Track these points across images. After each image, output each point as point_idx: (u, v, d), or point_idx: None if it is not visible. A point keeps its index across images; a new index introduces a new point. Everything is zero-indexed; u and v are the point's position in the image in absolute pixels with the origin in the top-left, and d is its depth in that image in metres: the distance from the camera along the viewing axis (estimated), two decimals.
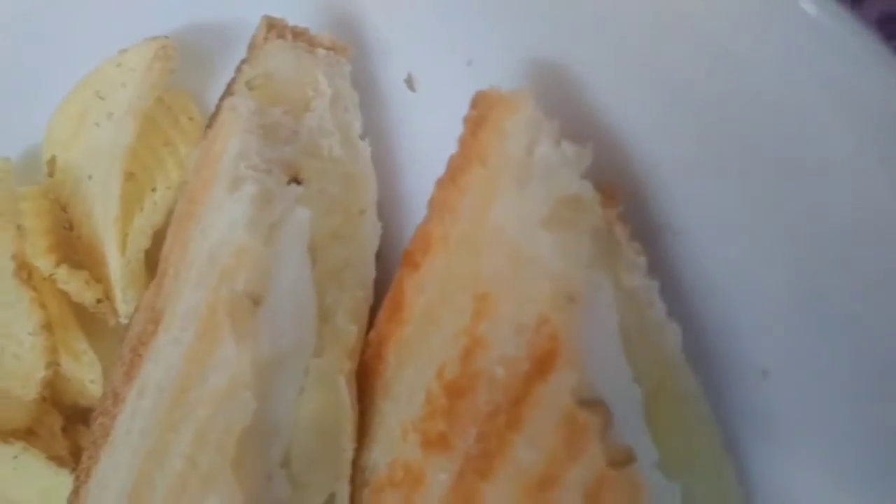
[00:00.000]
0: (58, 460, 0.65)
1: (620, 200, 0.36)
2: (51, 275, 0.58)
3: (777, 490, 0.38)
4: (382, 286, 0.44)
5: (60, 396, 0.68)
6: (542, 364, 0.32)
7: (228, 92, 0.48)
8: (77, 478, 0.57)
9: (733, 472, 0.37)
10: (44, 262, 0.58)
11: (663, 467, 0.34)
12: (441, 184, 0.39)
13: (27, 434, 0.67)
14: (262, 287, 0.40)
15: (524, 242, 0.33)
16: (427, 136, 0.48)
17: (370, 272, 0.45)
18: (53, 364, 0.61)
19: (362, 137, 0.46)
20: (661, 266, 0.38)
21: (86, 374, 0.64)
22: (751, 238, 0.37)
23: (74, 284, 0.58)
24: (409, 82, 0.49)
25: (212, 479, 0.37)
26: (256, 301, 0.40)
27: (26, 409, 0.66)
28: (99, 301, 0.60)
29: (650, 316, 0.36)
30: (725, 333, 0.37)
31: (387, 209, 0.46)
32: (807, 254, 0.36)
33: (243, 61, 0.49)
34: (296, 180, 0.44)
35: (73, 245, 0.64)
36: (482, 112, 0.37)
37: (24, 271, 0.59)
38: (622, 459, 0.32)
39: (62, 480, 0.63)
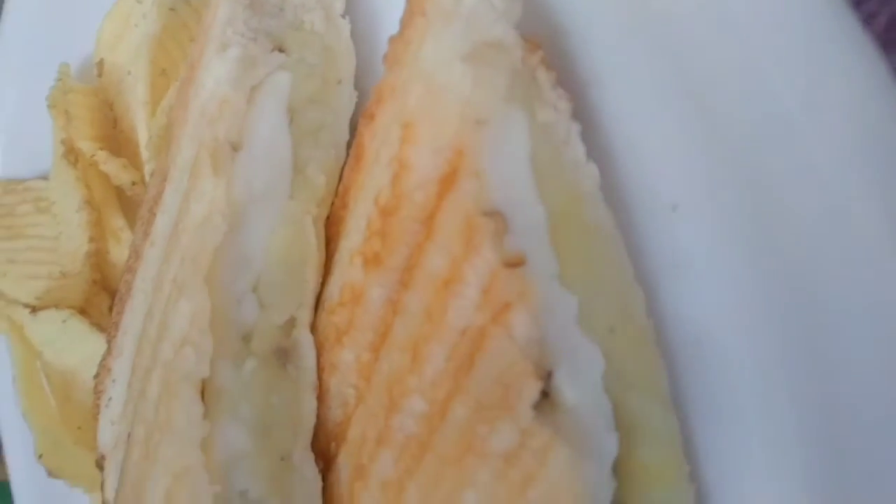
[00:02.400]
0: (101, 329, 0.73)
1: (544, 49, 0.40)
2: (92, 156, 0.66)
3: (687, 323, 0.41)
4: None
5: (108, 280, 0.77)
6: (449, 178, 0.36)
7: None
8: (108, 334, 0.65)
9: (643, 303, 0.40)
10: (86, 144, 0.66)
11: (565, 282, 0.38)
12: (392, 40, 0.44)
13: (80, 313, 0.76)
14: (241, 135, 0.46)
15: (442, 73, 0.37)
16: None
17: (344, 135, 0.50)
18: (95, 239, 0.70)
19: (343, 16, 0.51)
20: (584, 116, 0.41)
21: (125, 253, 0.72)
22: (661, 99, 0.40)
23: (112, 166, 0.66)
24: None
25: (185, 287, 0.43)
26: (235, 147, 0.46)
27: (80, 290, 0.75)
28: (134, 183, 0.67)
29: (566, 153, 0.39)
30: (637, 173, 0.40)
31: (364, 82, 0.51)
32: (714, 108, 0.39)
33: None
34: (279, 50, 0.49)
35: (116, 140, 0.72)
36: None
37: (72, 155, 0.68)
38: (513, 261, 0.36)
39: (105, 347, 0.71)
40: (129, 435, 0.52)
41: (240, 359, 0.44)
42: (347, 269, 0.43)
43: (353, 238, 0.44)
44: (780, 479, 0.39)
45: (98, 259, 0.75)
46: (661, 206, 0.40)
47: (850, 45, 0.36)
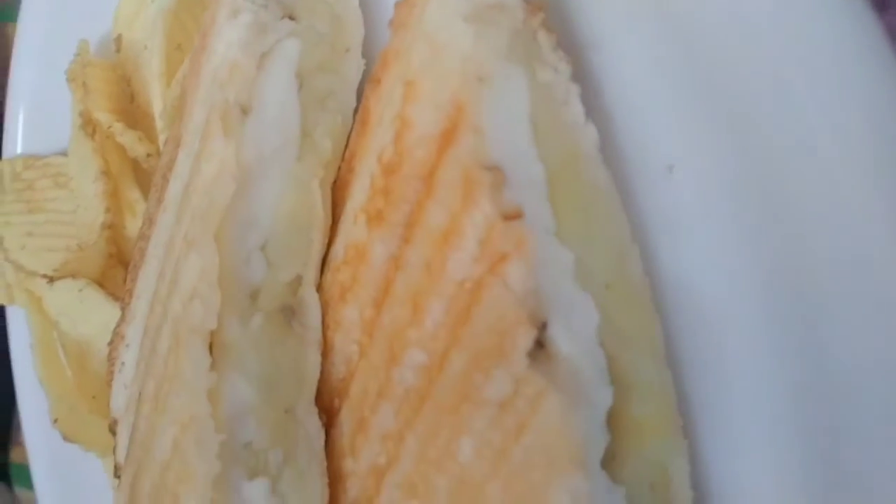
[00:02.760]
0: (117, 299, 0.75)
1: (545, 11, 0.41)
2: (109, 128, 0.68)
3: (682, 281, 0.41)
4: None
5: (124, 254, 0.79)
6: (449, 133, 0.38)
7: None
8: (122, 301, 0.66)
9: (639, 261, 0.40)
10: (103, 116, 0.68)
11: (562, 238, 0.39)
12: (397, 5, 0.45)
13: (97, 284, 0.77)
14: (250, 99, 0.48)
15: (444, 32, 0.38)
16: None
17: (351, 102, 0.51)
18: (111, 210, 0.71)
19: None
20: (583, 79, 0.42)
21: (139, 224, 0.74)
22: (659, 62, 0.41)
23: (128, 137, 0.68)
24: None
25: (195, 243, 0.44)
26: (245, 110, 0.47)
27: (96, 263, 0.77)
28: (149, 155, 0.69)
29: (566, 114, 0.40)
30: (634, 134, 0.41)
31: (372, 50, 0.52)
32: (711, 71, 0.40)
33: None
34: (289, 17, 0.50)
35: (133, 115, 0.74)
36: None
37: (89, 127, 0.70)
38: (511, 214, 0.37)
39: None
40: (139, 393, 0.54)
41: (247, 315, 0.46)
42: (352, 227, 0.45)
43: (357, 198, 0.45)
44: (773, 433, 0.40)
45: (114, 233, 0.77)
46: (657, 167, 0.41)
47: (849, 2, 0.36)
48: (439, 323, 0.39)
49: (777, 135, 0.38)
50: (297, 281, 0.47)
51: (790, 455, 0.39)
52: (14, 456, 1.05)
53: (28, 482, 0.82)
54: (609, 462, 0.39)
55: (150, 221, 0.61)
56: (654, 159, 0.41)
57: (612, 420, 0.39)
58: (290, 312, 0.47)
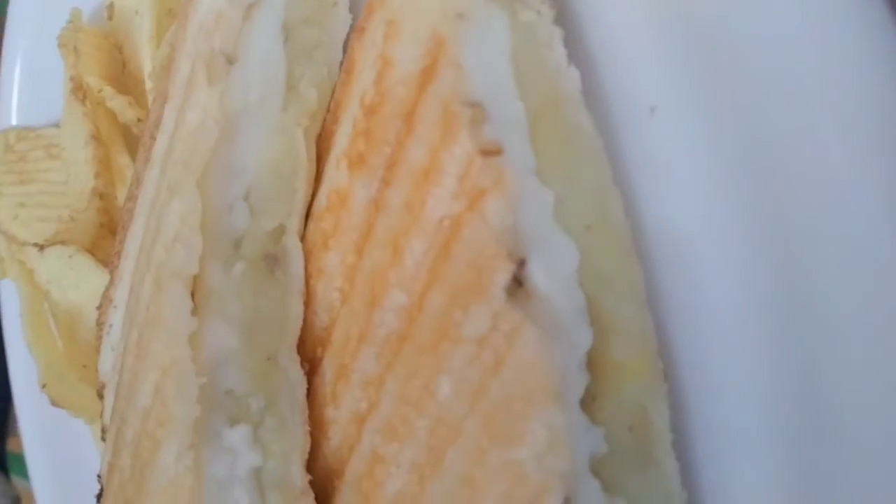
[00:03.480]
0: (107, 265, 0.75)
1: None
2: (99, 91, 0.68)
3: (663, 225, 0.41)
4: None
5: (115, 224, 0.79)
6: (430, 69, 0.38)
7: None
8: (111, 264, 0.66)
9: (621, 203, 0.40)
10: (94, 80, 0.68)
11: (542, 178, 0.39)
12: None
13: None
14: (236, 48, 0.48)
15: None
16: None
17: (337, 55, 0.51)
18: (102, 175, 0.71)
19: None
20: (567, 23, 0.42)
21: None
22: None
23: (118, 102, 0.68)
24: None
25: (178, 188, 0.44)
26: (230, 60, 0.47)
27: (87, 232, 0.77)
28: (140, 120, 0.69)
29: (548, 56, 0.40)
30: (617, 76, 0.41)
31: (359, 4, 0.52)
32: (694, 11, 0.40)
33: None
34: None
35: (125, 83, 0.74)
36: None
37: (80, 92, 0.70)
38: (490, 150, 0.37)
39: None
40: (124, 347, 0.54)
41: (230, 262, 0.46)
42: (334, 174, 0.45)
43: (340, 144, 0.45)
44: (752, 376, 0.40)
45: (105, 203, 0.77)
46: (640, 109, 0.41)
47: None
48: (419, 262, 0.39)
49: (760, 75, 0.38)
50: (281, 230, 0.47)
51: (771, 396, 0.39)
52: (11, 446, 1.05)
53: (25, 472, 0.81)
54: (589, 404, 0.39)
55: (137, 181, 0.61)
56: (637, 101, 0.41)
57: (592, 363, 0.39)
58: (273, 261, 0.47)
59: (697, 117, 0.40)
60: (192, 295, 0.45)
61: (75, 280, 0.75)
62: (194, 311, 0.44)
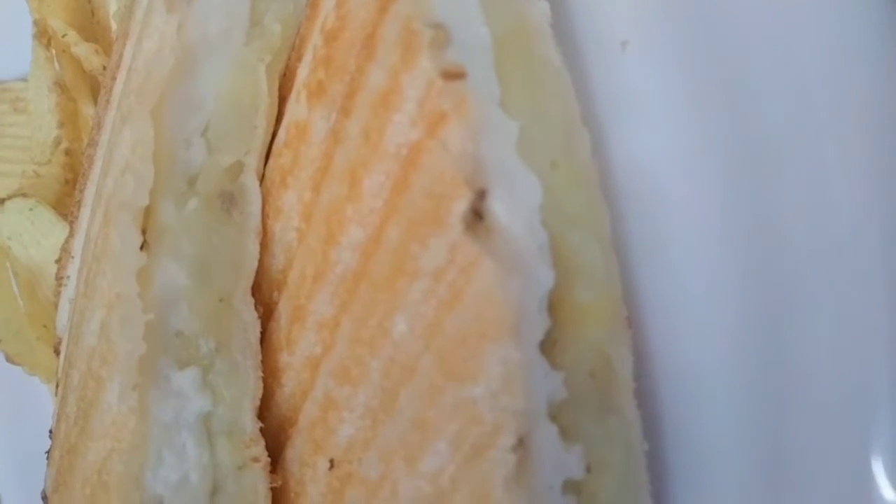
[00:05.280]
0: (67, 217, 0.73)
1: None
2: (63, 36, 0.66)
3: (631, 165, 0.40)
4: None
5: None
6: None
7: None
8: (70, 214, 0.64)
9: (588, 142, 0.39)
10: (58, 24, 0.66)
11: (507, 109, 0.37)
12: None
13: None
14: None
15: None
16: None
17: None
18: (67, 125, 0.69)
19: None
20: None
21: None
22: None
23: (84, 48, 0.66)
24: None
25: (130, 116, 0.42)
26: None
27: (52, 189, 0.75)
28: (105, 68, 0.67)
29: None
30: (587, 9, 0.40)
31: None
32: None
33: None
34: None
35: (94, 32, 0.71)
36: None
37: (45, 36, 0.67)
38: (452, 72, 0.35)
39: None
40: (76, 292, 0.52)
41: (184, 198, 0.44)
42: (294, 107, 0.43)
43: (301, 75, 0.43)
44: (719, 325, 0.38)
45: (70, 159, 0.74)
46: (610, 43, 0.39)
47: None
48: (377, 194, 0.38)
49: (737, 7, 0.37)
50: (238, 167, 0.45)
51: (737, 346, 0.38)
52: None
53: None
54: (550, 348, 0.38)
55: (98, 125, 0.58)
56: (608, 35, 0.39)
57: (554, 307, 0.38)
58: (228, 199, 0.45)
59: (670, 52, 0.38)
60: (144, 231, 0.43)
61: (36, 236, 0.73)
62: (144, 247, 0.42)
